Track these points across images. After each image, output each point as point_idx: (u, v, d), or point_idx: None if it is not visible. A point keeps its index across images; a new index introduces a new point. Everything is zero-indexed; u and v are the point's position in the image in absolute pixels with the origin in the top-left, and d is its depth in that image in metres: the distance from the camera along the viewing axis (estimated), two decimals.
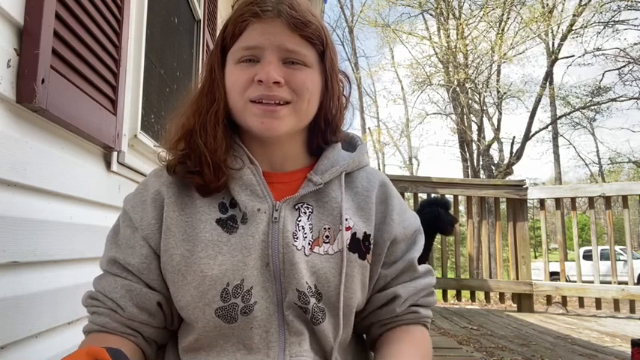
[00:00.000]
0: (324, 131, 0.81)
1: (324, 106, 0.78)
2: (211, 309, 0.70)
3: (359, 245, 0.76)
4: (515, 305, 5.07)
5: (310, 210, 0.76)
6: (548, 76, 17.14)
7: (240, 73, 0.73)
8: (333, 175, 0.78)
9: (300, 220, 0.74)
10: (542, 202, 5.06)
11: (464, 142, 16.77)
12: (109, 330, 0.73)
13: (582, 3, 15.40)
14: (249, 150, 0.77)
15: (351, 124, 0.86)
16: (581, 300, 4.93)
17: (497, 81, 17.61)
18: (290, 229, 0.73)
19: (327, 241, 0.74)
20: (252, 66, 0.72)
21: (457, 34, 16.16)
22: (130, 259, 0.73)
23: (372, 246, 0.78)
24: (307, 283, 0.72)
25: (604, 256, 7.32)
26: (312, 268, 0.73)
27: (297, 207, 0.75)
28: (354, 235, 0.76)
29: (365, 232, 0.77)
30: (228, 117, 0.77)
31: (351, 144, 0.87)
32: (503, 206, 5.92)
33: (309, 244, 0.73)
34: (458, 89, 16.06)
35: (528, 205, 5.34)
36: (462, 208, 8.46)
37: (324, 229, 0.75)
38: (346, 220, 0.76)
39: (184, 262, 0.71)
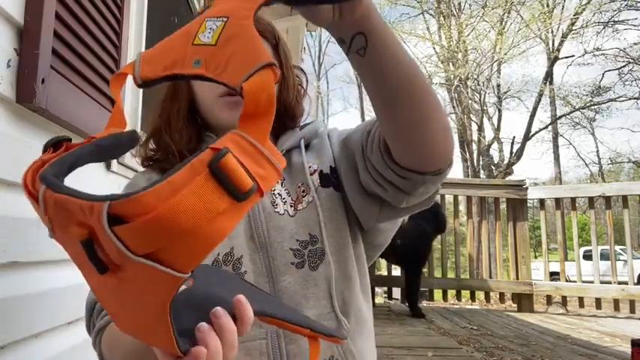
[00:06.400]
0: (282, 117, 0.85)
1: (282, 94, 0.83)
2: None
3: (329, 179, 0.81)
4: (515, 305, 5.08)
5: (282, 179, 0.81)
6: (548, 75, 17.13)
7: None
8: (294, 143, 0.83)
9: (274, 190, 0.79)
10: (542, 202, 5.06)
11: (464, 142, 16.77)
12: None
13: (582, 3, 15.39)
14: None
15: (309, 114, 0.92)
16: (581, 300, 4.93)
17: (498, 82, 17.62)
18: (267, 199, 0.77)
19: (305, 194, 0.79)
20: None
21: (458, 34, 16.16)
22: None
23: (340, 174, 0.81)
24: (298, 240, 0.75)
25: (604, 256, 7.31)
26: (302, 222, 0.76)
27: None
28: (321, 172, 0.81)
29: (330, 166, 0.82)
30: (196, 115, 0.84)
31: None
32: (503, 206, 5.91)
33: (291, 206, 0.78)
34: (460, 87, 16.06)
35: (528, 205, 5.34)
36: (462, 208, 8.44)
37: (298, 187, 0.80)
38: (309, 167, 0.81)
39: None
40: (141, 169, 1.79)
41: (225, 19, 0.39)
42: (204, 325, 0.42)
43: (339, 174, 0.81)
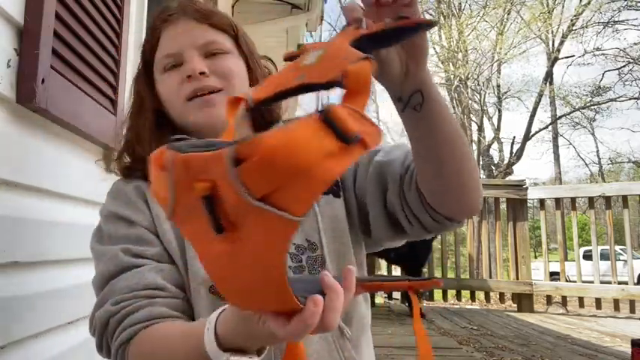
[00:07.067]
0: (260, 111, 0.84)
1: (252, 85, 0.82)
2: (205, 288, 0.70)
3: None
4: (515, 305, 5.08)
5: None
6: (549, 75, 17.14)
7: (169, 80, 0.79)
8: None
9: None
10: (542, 202, 5.06)
11: None
12: (157, 317, 0.66)
13: (582, 3, 15.40)
14: None
15: (289, 107, 0.93)
16: (581, 300, 4.93)
17: (498, 82, 17.62)
18: None
19: None
20: (177, 69, 0.78)
21: (458, 34, 16.16)
22: (145, 252, 0.72)
23: (339, 182, 0.81)
24: (294, 243, 0.74)
25: (604, 256, 7.31)
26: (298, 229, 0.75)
27: None
28: None
29: None
30: (165, 123, 0.82)
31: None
32: (503, 206, 5.91)
33: None
34: (460, 87, 16.06)
35: (528, 205, 5.34)
36: None
37: None
38: None
39: (179, 247, 0.72)
40: None
41: (325, 48, 0.47)
42: (327, 274, 0.43)
43: (350, 186, 0.80)
